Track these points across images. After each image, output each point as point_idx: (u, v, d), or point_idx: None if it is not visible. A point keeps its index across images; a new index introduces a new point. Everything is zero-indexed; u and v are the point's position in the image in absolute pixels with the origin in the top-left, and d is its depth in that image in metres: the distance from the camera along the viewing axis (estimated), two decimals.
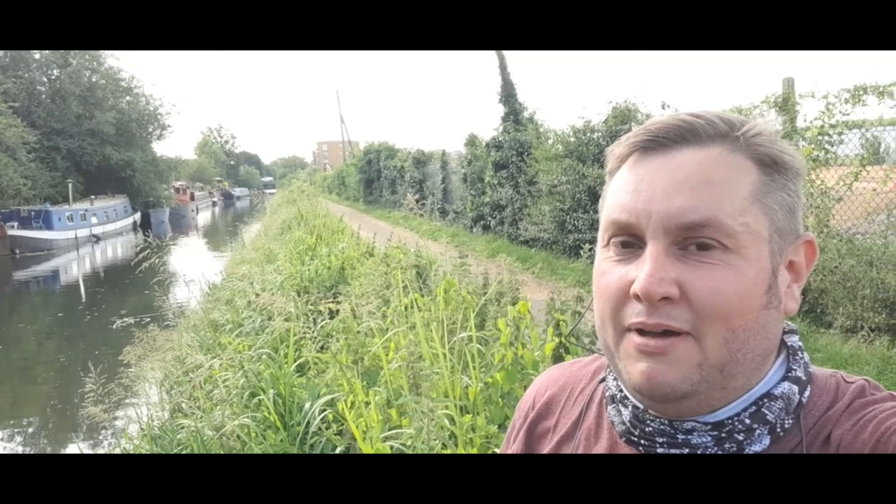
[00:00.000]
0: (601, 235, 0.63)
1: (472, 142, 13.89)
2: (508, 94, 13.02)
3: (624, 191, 0.61)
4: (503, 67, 13.14)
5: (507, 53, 13.16)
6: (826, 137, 5.65)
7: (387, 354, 3.13)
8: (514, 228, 11.47)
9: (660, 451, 0.61)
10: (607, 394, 0.69)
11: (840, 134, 5.63)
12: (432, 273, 4.35)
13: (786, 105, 6.07)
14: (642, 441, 0.62)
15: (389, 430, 2.67)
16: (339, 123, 51.43)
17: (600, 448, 0.69)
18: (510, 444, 0.80)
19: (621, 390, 0.66)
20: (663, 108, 8.25)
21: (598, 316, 0.62)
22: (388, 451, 2.48)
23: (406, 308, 3.45)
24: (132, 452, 4.29)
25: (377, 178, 25.35)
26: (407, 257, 4.59)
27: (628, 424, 0.64)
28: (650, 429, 0.62)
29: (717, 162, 0.59)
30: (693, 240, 0.57)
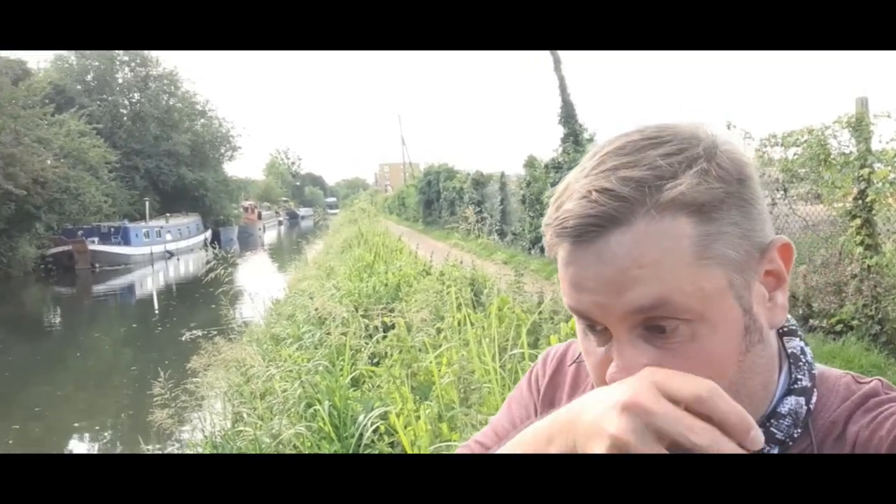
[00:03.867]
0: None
1: (531, 163, 13.90)
2: (568, 115, 12.99)
3: (568, 284, 0.58)
4: (563, 88, 13.12)
5: (567, 74, 13.15)
6: None
7: (439, 370, 3.17)
8: None
9: None
10: None
11: None
12: (486, 290, 4.38)
13: (860, 125, 5.83)
14: None
15: (440, 443, 2.69)
16: (401, 146, 52.36)
17: None
18: (535, 384, 0.79)
19: None
20: (728, 128, 8.05)
21: (594, 381, 0.61)
22: None
23: (459, 324, 3.49)
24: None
25: (436, 199, 25.61)
26: (461, 274, 4.64)
27: None
28: None
29: (645, 239, 0.53)
30: (650, 322, 0.54)
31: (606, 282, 0.54)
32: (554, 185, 12.03)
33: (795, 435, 0.59)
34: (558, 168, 11.95)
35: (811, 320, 5.74)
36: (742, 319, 0.56)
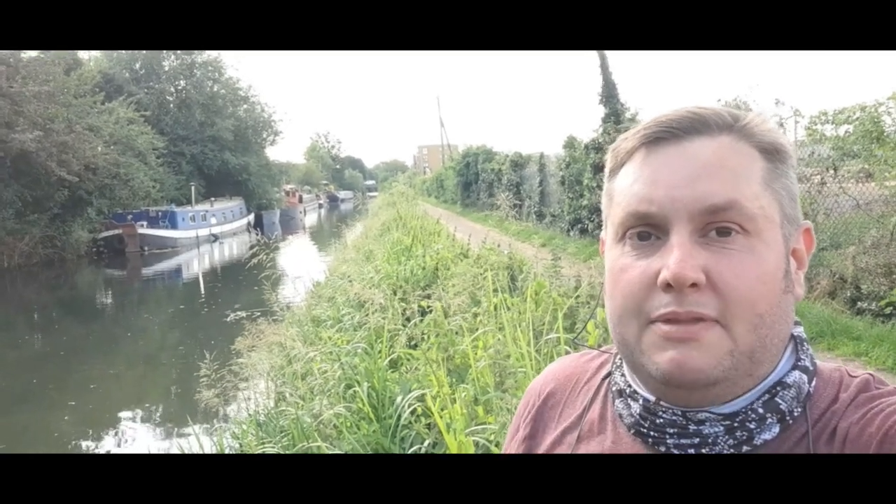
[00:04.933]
0: (614, 231, 0.64)
1: (570, 144, 13.70)
2: (609, 95, 12.73)
3: (641, 182, 0.61)
4: (604, 67, 12.86)
5: (609, 52, 12.88)
6: None
7: (475, 353, 3.19)
8: None
9: (670, 441, 0.61)
10: (614, 388, 0.70)
11: None
12: (523, 275, 4.38)
13: None
14: (652, 433, 0.63)
15: (475, 426, 2.73)
16: (439, 127, 52.24)
17: (603, 440, 0.69)
18: (515, 433, 0.80)
19: (629, 385, 0.66)
20: (777, 104, 7.80)
21: (616, 312, 0.62)
22: (472, 446, 2.54)
23: (495, 308, 3.50)
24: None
25: (475, 180, 25.53)
26: (499, 258, 4.64)
27: (638, 417, 0.64)
28: (661, 420, 0.62)
29: (728, 150, 0.60)
30: (714, 225, 0.58)
31: (687, 174, 0.59)
32: (594, 165, 11.83)
33: (796, 413, 0.60)
34: (598, 149, 11.76)
35: (859, 303, 5.57)
36: (784, 261, 0.60)
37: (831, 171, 6.52)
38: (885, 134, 5.86)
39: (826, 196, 6.57)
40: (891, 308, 5.21)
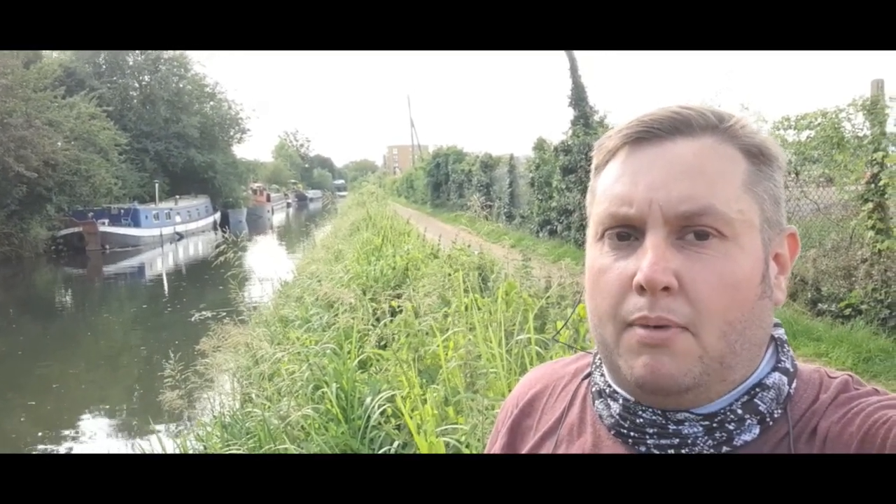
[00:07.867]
0: (594, 229, 0.64)
1: (540, 146, 13.80)
2: (579, 98, 12.87)
3: (621, 182, 0.61)
4: (574, 70, 13.00)
5: (579, 56, 13.02)
6: None
7: (446, 353, 3.18)
8: (581, 234, 11.32)
9: (650, 441, 0.62)
10: (594, 389, 0.69)
11: None
12: (494, 275, 4.38)
13: (874, 108, 5.75)
14: (632, 433, 0.63)
15: (446, 426, 2.71)
16: (410, 127, 52.00)
17: (583, 443, 0.69)
18: (493, 444, 0.80)
19: (609, 385, 0.66)
20: (742, 109, 7.97)
21: (596, 313, 0.62)
22: (443, 447, 2.53)
23: (466, 308, 3.50)
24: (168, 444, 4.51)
25: (445, 181, 25.54)
26: (469, 259, 4.64)
27: (618, 417, 0.64)
28: (641, 420, 0.62)
29: (710, 152, 0.60)
30: (691, 228, 0.58)
31: (666, 176, 0.59)
32: (563, 167, 11.91)
33: (776, 414, 0.60)
34: (567, 151, 11.86)
35: (820, 304, 5.71)
36: (762, 266, 0.60)
37: (793, 176, 6.68)
38: (844, 140, 6.03)
39: (788, 200, 6.72)
40: (850, 309, 5.36)
